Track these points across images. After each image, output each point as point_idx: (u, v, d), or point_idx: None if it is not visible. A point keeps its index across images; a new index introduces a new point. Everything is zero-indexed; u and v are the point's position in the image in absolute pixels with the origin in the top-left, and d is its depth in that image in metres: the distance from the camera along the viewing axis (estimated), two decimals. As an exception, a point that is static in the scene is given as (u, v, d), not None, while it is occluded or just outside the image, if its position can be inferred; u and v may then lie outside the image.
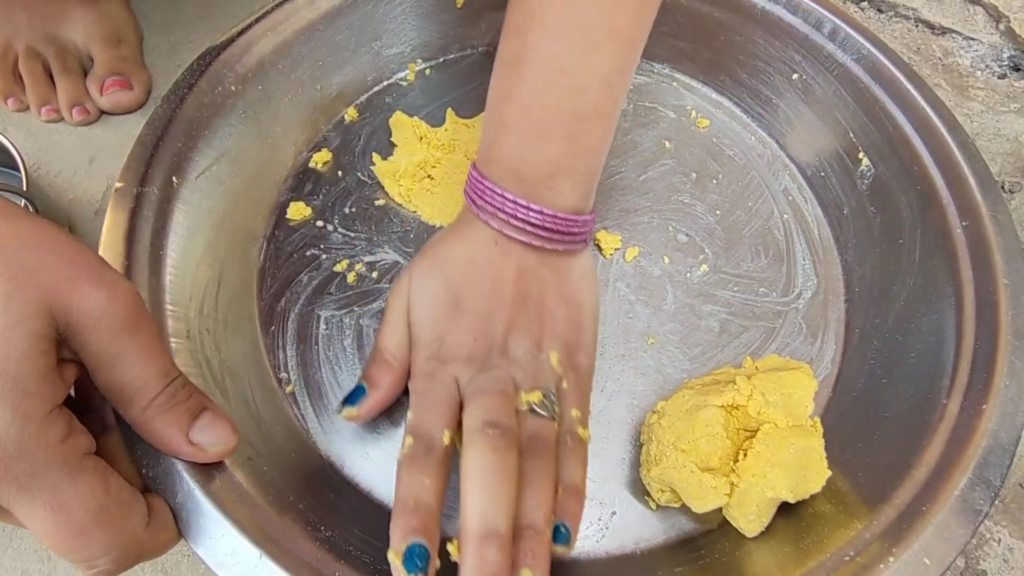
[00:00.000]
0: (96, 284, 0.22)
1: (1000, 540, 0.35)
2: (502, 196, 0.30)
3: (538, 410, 0.28)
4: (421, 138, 0.41)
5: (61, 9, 0.46)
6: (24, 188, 0.37)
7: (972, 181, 0.34)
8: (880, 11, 0.51)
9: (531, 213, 0.30)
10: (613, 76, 0.30)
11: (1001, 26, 0.49)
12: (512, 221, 0.30)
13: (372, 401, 0.30)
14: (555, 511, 0.27)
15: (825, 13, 0.40)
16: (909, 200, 0.36)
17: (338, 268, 0.38)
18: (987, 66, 0.48)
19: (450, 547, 0.25)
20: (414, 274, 0.32)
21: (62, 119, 0.46)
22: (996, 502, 0.35)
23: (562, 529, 0.27)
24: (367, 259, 0.38)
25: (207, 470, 0.26)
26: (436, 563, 0.25)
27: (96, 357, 0.22)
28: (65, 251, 0.22)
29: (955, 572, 0.34)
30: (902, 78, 0.37)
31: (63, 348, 0.22)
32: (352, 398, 0.31)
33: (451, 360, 0.29)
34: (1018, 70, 0.48)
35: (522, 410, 0.28)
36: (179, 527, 0.25)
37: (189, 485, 0.25)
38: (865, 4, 0.52)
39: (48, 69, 0.46)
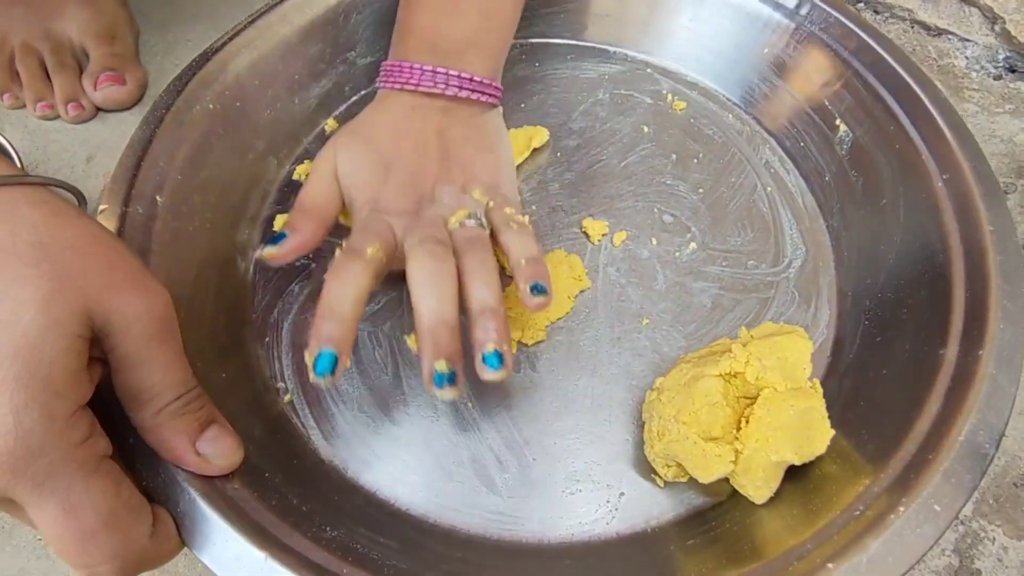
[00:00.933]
0: (137, 290, 0.23)
1: (994, 539, 0.34)
2: (416, 67, 0.34)
3: (467, 222, 0.31)
4: None
5: (57, 5, 0.46)
6: None
7: (948, 134, 0.34)
8: (876, 12, 0.52)
9: (444, 76, 0.34)
10: None
11: (996, 27, 0.49)
12: (427, 85, 0.34)
13: (291, 243, 0.31)
14: (527, 279, 0.29)
15: (788, -14, 0.40)
16: (889, 160, 0.36)
17: (328, 275, 0.38)
18: (982, 67, 0.48)
19: (408, 340, 0.30)
20: (339, 145, 0.34)
21: (57, 116, 0.46)
22: (991, 501, 0.35)
23: (539, 286, 0.29)
24: (356, 264, 0.38)
25: (207, 478, 0.26)
26: (346, 364, 0.27)
27: (123, 359, 0.23)
28: (108, 255, 0.23)
29: (950, 571, 0.34)
30: (870, 40, 0.38)
31: (94, 347, 0.22)
32: (274, 240, 0.31)
33: (386, 213, 0.32)
34: (1013, 71, 0.48)
35: (453, 228, 0.31)
36: (182, 536, 0.25)
37: (190, 494, 0.25)
38: (861, 5, 0.52)
39: (44, 65, 0.46)
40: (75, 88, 0.46)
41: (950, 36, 0.50)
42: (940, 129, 0.34)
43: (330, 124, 0.43)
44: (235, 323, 0.36)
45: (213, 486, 0.26)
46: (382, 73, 0.36)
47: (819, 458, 0.29)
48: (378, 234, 0.30)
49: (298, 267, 0.38)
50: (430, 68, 0.34)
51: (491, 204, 0.33)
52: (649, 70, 0.45)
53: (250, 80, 0.39)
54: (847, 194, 0.38)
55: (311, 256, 0.38)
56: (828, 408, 0.30)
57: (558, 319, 0.36)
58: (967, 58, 0.49)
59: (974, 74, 0.49)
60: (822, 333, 0.36)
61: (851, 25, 0.38)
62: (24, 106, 0.46)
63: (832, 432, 0.28)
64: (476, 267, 0.29)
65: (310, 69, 0.42)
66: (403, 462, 0.32)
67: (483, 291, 0.28)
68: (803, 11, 0.40)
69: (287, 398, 0.34)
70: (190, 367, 0.25)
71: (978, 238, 0.31)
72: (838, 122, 0.39)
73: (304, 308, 0.37)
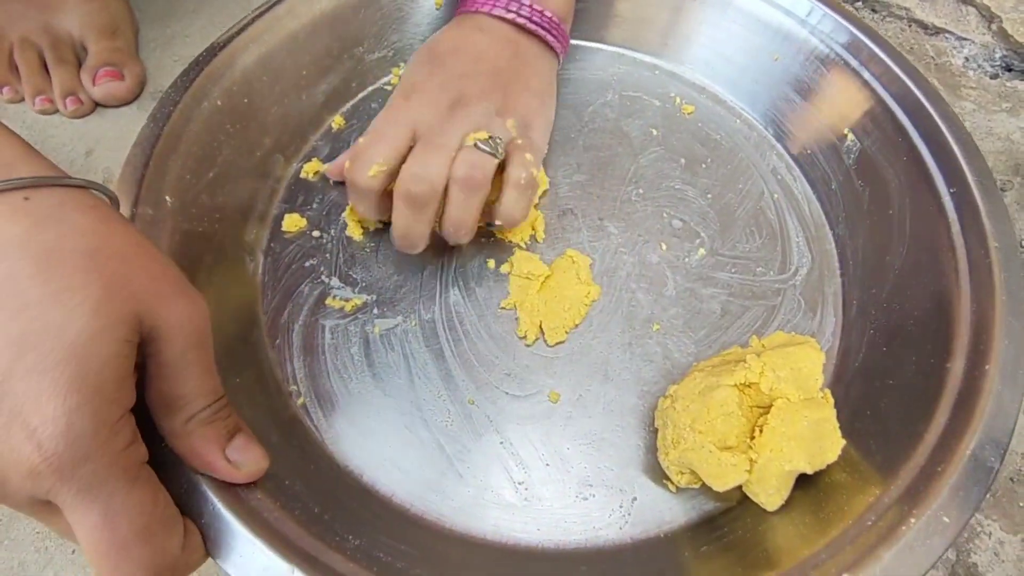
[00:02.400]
0: (180, 299, 0.23)
1: (991, 534, 0.35)
2: None
3: (482, 147, 0.32)
4: None
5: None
6: None
7: (956, 148, 0.35)
8: (874, 11, 0.53)
9: (517, 4, 0.36)
10: None
11: (993, 26, 0.50)
12: (500, 10, 0.36)
13: (348, 154, 0.34)
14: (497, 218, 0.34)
15: (800, -5, 0.41)
16: (896, 171, 0.37)
17: (339, 277, 0.37)
18: (979, 66, 0.49)
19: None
20: (413, 58, 0.37)
21: (56, 110, 0.45)
22: (988, 496, 0.36)
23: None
24: (367, 266, 0.38)
25: (231, 488, 0.26)
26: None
27: (163, 366, 0.23)
28: (153, 265, 0.23)
29: (946, 565, 0.35)
30: (879, 52, 0.38)
31: (137, 354, 0.22)
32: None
33: (416, 103, 0.33)
34: (1010, 70, 0.49)
35: (466, 146, 0.32)
36: (207, 546, 0.25)
37: (214, 504, 0.25)
38: (859, 4, 0.53)
39: (43, 59, 0.45)
40: (74, 82, 0.45)
41: (947, 35, 0.51)
42: (947, 142, 0.35)
43: (337, 121, 0.43)
44: (245, 326, 0.35)
45: (237, 496, 0.26)
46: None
47: (828, 466, 0.30)
48: (403, 125, 0.32)
49: (307, 268, 0.38)
50: None
51: (518, 141, 0.34)
52: (658, 72, 0.45)
53: (257, 76, 0.39)
54: (853, 203, 0.39)
55: (319, 256, 0.38)
56: (836, 415, 0.31)
57: (575, 326, 0.36)
58: (964, 57, 0.50)
59: (971, 73, 0.50)
60: (828, 340, 0.36)
61: (861, 36, 0.39)
62: (23, 100, 0.45)
63: (843, 442, 0.29)
64: (458, 208, 0.32)
65: (317, 65, 0.41)
66: (417, 466, 0.32)
67: (454, 230, 0.33)
68: (813, 20, 0.40)
69: (300, 401, 0.34)
70: (218, 375, 0.25)
71: (983, 254, 0.32)
72: (846, 131, 0.40)
73: (314, 310, 0.36)
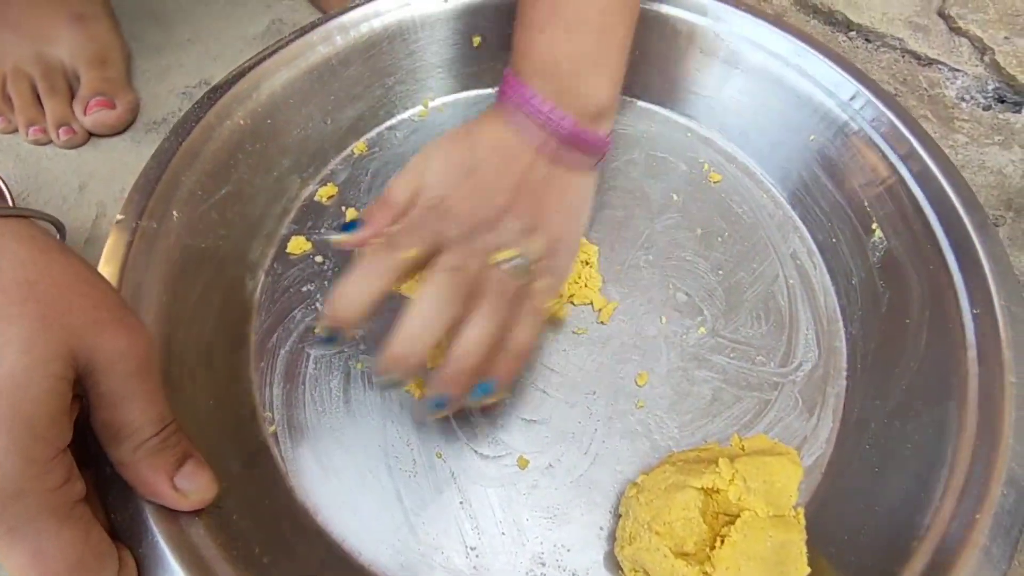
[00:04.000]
0: (119, 329, 0.23)
1: None
2: (534, 99, 0.32)
3: (511, 264, 0.30)
4: None
5: (49, 29, 0.46)
6: None
7: (987, 267, 0.32)
8: (868, 41, 0.52)
9: (558, 122, 0.32)
10: None
11: (986, 58, 0.49)
12: (542, 127, 0.32)
13: (364, 234, 0.31)
14: (491, 369, 0.30)
15: (845, 77, 0.38)
16: (920, 279, 0.35)
17: (332, 307, 0.38)
18: (972, 98, 0.48)
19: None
20: (441, 143, 0.33)
21: (49, 141, 0.46)
22: None
23: (485, 386, 0.29)
24: (362, 299, 0.38)
25: (174, 519, 0.26)
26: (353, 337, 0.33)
27: (103, 397, 0.23)
28: (93, 293, 0.23)
29: None
30: (921, 151, 0.36)
31: (75, 385, 0.22)
32: (346, 228, 0.31)
33: (445, 217, 0.31)
34: (1003, 102, 0.48)
35: (491, 264, 0.30)
36: (140, 577, 0.25)
37: (154, 535, 0.25)
38: (853, 34, 0.52)
39: (36, 90, 0.46)
40: (66, 112, 0.45)
41: (940, 66, 0.50)
42: (979, 260, 0.33)
43: (359, 147, 0.43)
44: (232, 346, 0.36)
45: (179, 528, 0.26)
46: (503, 81, 0.35)
47: (791, 590, 0.28)
48: (423, 240, 0.30)
49: (304, 292, 0.38)
50: (549, 106, 0.32)
51: (541, 263, 0.32)
52: (690, 135, 0.44)
53: (284, 98, 0.39)
54: (872, 303, 0.37)
55: (317, 283, 0.38)
56: (810, 534, 0.29)
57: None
58: (957, 88, 0.49)
59: (964, 104, 0.48)
60: (820, 447, 0.34)
61: (903, 129, 0.37)
62: (16, 131, 0.46)
63: (808, 570, 0.27)
64: (479, 319, 0.29)
65: (347, 92, 0.42)
66: (373, 514, 0.32)
67: (469, 345, 0.29)
68: (856, 104, 0.38)
69: (272, 429, 0.34)
70: (166, 401, 0.25)
71: (998, 387, 0.29)
72: (874, 227, 0.37)
73: (303, 337, 0.37)
